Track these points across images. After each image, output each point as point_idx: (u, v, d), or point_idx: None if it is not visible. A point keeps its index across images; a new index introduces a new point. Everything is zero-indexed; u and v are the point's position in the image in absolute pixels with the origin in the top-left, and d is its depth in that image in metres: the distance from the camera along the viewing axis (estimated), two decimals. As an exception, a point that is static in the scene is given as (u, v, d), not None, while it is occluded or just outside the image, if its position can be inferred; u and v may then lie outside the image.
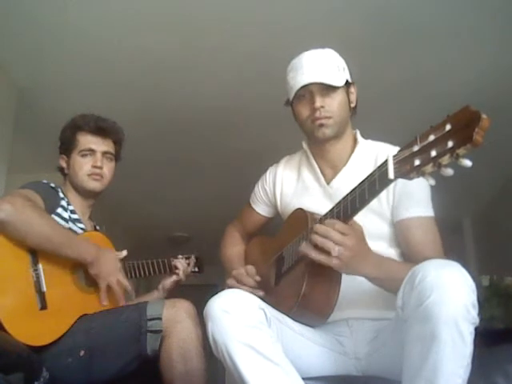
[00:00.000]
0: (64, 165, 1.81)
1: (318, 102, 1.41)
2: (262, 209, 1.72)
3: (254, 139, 3.38)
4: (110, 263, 1.63)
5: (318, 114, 1.42)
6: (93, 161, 1.76)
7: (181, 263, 1.91)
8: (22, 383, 1.26)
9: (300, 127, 1.52)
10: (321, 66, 1.42)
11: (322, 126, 1.43)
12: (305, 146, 1.60)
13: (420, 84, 2.89)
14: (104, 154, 1.79)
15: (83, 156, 1.77)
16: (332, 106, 1.43)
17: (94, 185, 1.77)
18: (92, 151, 1.77)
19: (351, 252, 1.17)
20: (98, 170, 1.76)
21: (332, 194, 1.49)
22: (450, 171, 0.97)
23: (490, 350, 1.52)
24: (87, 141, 1.78)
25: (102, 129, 1.79)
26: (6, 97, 2.73)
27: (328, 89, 1.41)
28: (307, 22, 2.40)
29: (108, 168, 1.80)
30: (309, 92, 1.42)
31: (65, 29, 2.40)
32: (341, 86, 1.43)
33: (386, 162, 1.09)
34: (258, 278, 1.52)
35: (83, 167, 1.76)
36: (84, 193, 1.79)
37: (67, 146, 1.79)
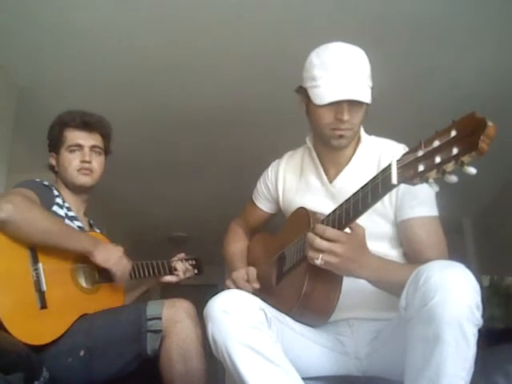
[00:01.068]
0: (54, 162, 1.81)
1: (347, 116, 1.36)
2: (264, 205, 1.71)
3: (254, 139, 3.38)
4: (112, 250, 1.64)
5: (341, 125, 1.38)
6: (81, 156, 1.76)
7: (180, 265, 1.91)
8: (22, 383, 1.26)
9: (311, 125, 1.48)
10: (356, 78, 1.35)
11: (341, 136, 1.41)
12: (309, 143, 1.57)
13: (420, 84, 2.89)
14: (92, 148, 1.79)
15: (71, 152, 1.76)
16: (356, 119, 1.40)
17: (83, 180, 1.76)
18: (80, 146, 1.77)
19: (341, 258, 1.18)
20: (86, 165, 1.76)
21: (334, 193, 1.48)
22: (454, 178, 0.96)
23: (490, 349, 1.52)
24: (74, 136, 1.77)
25: (88, 123, 1.78)
26: (5, 97, 2.73)
27: (358, 104, 1.37)
28: (308, 22, 2.40)
29: (97, 162, 1.80)
30: (338, 102, 1.35)
31: (65, 29, 2.40)
32: (370, 102, 1.38)
33: (389, 166, 1.08)
34: (256, 286, 1.52)
35: (72, 163, 1.76)
36: (75, 188, 1.79)
37: (55, 143, 1.79)
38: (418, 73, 2.79)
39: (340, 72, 1.35)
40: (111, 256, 1.62)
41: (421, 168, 1.00)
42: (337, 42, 1.41)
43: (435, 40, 2.54)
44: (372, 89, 1.39)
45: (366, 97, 1.35)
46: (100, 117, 1.84)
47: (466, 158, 0.92)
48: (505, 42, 2.52)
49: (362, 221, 1.22)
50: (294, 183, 1.60)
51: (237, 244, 1.77)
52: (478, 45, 2.57)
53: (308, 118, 1.48)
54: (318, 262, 1.18)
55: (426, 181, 1.00)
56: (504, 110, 2.82)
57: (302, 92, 1.45)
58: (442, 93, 2.86)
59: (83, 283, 1.64)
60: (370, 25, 2.43)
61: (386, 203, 1.41)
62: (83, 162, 1.75)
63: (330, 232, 1.19)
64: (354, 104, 1.36)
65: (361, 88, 1.35)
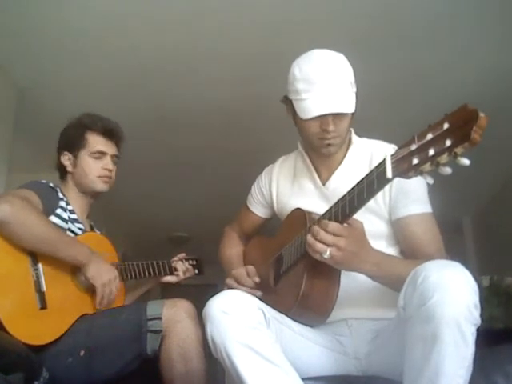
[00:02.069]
0: (67, 162, 1.80)
1: (332, 127, 1.37)
2: (258, 210, 1.72)
3: (254, 140, 3.38)
4: (104, 268, 1.62)
5: (328, 135, 1.39)
6: (103, 163, 1.79)
7: (180, 266, 1.92)
8: (22, 383, 1.26)
9: (300, 135, 1.50)
10: (338, 90, 1.35)
11: (329, 145, 1.42)
12: (300, 147, 1.59)
13: (420, 84, 2.89)
14: (112, 156, 1.83)
15: (95, 158, 1.79)
16: (342, 127, 1.40)
17: (103, 187, 1.80)
18: (103, 154, 1.80)
19: (344, 252, 1.18)
20: (108, 173, 1.80)
21: (328, 194, 1.49)
22: (448, 170, 0.97)
23: (490, 349, 1.52)
24: (97, 142, 1.80)
25: (112, 132, 1.82)
26: (5, 97, 2.73)
27: (343, 114, 1.37)
28: (307, 23, 2.40)
29: (114, 170, 1.84)
30: (323, 115, 1.36)
31: (65, 29, 2.40)
32: (354, 110, 1.38)
33: (383, 161, 1.09)
34: (257, 280, 1.52)
35: (94, 169, 1.78)
36: (91, 193, 1.81)
37: (73, 144, 1.79)
38: (418, 72, 2.79)
39: (323, 85, 1.35)
40: (101, 276, 1.59)
41: (415, 161, 1.00)
42: (318, 51, 1.41)
43: (436, 40, 2.54)
44: (356, 93, 1.39)
45: (349, 107, 1.36)
46: (117, 124, 1.87)
47: (459, 150, 0.93)
48: (505, 42, 2.52)
49: (357, 220, 1.23)
50: (288, 187, 1.61)
51: (232, 249, 1.77)
52: (478, 45, 2.57)
53: (296, 126, 1.49)
54: (326, 255, 1.18)
55: (421, 174, 1.01)
56: (504, 109, 2.82)
57: (288, 103, 1.46)
58: (442, 92, 2.85)
59: (83, 283, 1.64)
60: (370, 25, 2.43)
61: (379, 202, 1.42)
62: (106, 169, 1.79)
63: (333, 226, 1.19)
64: (338, 115, 1.36)
65: (344, 98, 1.36)
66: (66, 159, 1.81)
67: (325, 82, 1.35)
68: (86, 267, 1.58)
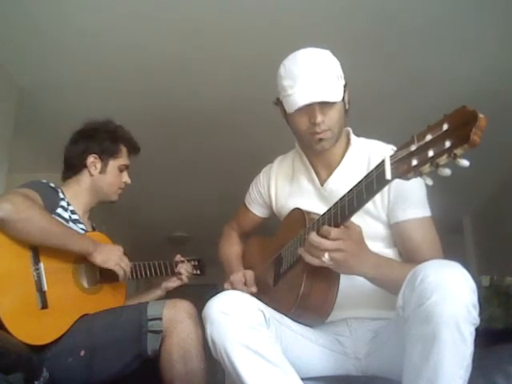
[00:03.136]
0: (93, 166, 1.81)
1: (319, 118, 1.37)
2: (257, 210, 1.73)
3: (254, 140, 3.38)
4: (112, 250, 1.66)
5: (317, 128, 1.39)
6: (125, 177, 1.87)
7: (184, 268, 1.92)
8: (22, 383, 1.27)
9: (294, 134, 1.50)
10: (321, 80, 1.35)
11: (321, 140, 1.41)
12: (297, 146, 1.59)
13: (420, 84, 2.89)
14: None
15: (121, 171, 1.86)
16: (331, 119, 1.39)
17: (116, 198, 1.87)
18: (127, 168, 1.88)
19: (344, 254, 1.18)
20: (124, 186, 1.88)
21: (326, 195, 1.49)
22: (447, 171, 0.97)
23: (489, 349, 1.52)
24: (126, 156, 1.88)
25: (138, 151, 1.92)
26: (6, 97, 2.72)
27: (329, 104, 1.37)
28: (307, 24, 2.39)
29: None
30: (309, 106, 1.36)
31: (65, 29, 2.40)
32: (341, 99, 1.39)
33: (383, 162, 1.08)
34: (254, 290, 1.53)
35: (118, 181, 1.85)
36: (104, 201, 1.86)
37: (106, 151, 1.83)
38: (418, 72, 2.78)
39: (306, 78, 1.36)
40: (111, 256, 1.63)
41: (414, 162, 1.00)
42: (302, 50, 1.42)
43: (436, 39, 2.54)
44: (345, 86, 1.41)
45: (335, 95, 1.36)
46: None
47: (458, 151, 0.92)
48: (506, 41, 2.52)
49: (355, 222, 1.23)
50: (287, 187, 1.61)
51: (232, 248, 1.78)
52: (478, 45, 2.57)
53: (290, 127, 1.49)
54: (325, 259, 1.18)
55: (420, 175, 1.01)
56: (504, 109, 2.82)
57: (279, 103, 1.47)
58: (442, 92, 2.85)
59: (84, 283, 1.65)
60: (370, 26, 2.42)
61: (378, 205, 1.41)
62: (125, 183, 1.87)
63: (335, 232, 1.19)
64: (324, 105, 1.36)
65: (329, 88, 1.36)
66: (93, 162, 1.81)
67: (308, 75, 1.36)
68: (93, 255, 1.61)
